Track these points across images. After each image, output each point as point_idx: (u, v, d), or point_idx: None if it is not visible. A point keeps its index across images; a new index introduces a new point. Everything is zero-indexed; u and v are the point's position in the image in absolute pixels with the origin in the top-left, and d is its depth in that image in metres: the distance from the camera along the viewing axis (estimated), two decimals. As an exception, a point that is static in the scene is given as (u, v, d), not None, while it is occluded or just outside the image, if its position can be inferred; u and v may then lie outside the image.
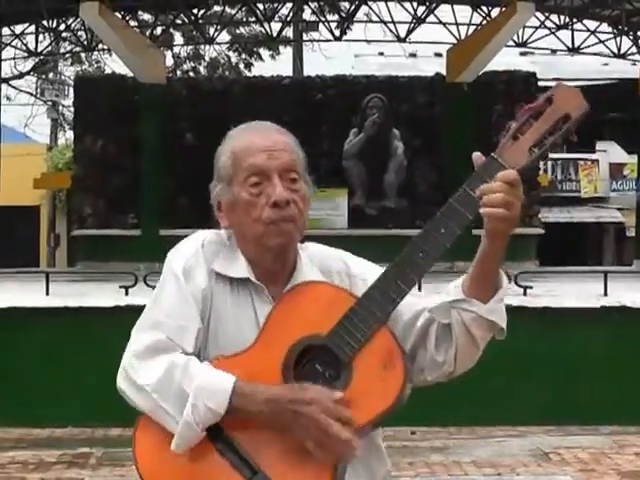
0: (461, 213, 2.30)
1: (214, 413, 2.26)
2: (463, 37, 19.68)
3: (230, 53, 30.37)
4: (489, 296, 2.34)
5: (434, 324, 2.43)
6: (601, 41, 21.21)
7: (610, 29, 21.14)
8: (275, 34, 21.79)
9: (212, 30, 22.77)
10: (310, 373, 2.33)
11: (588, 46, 21.29)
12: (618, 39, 21.22)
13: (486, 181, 2.27)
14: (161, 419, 2.32)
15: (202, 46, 28.16)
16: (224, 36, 25.85)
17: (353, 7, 20.83)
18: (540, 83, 20.29)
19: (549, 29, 20.64)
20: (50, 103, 33.02)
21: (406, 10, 20.20)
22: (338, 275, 2.58)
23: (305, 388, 2.27)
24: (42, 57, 24.25)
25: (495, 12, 19.13)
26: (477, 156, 2.34)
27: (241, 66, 30.79)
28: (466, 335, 2.37)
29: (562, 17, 20.33)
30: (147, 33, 20.92)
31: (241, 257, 2.49)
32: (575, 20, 20.56)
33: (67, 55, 27.57)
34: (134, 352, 2.37)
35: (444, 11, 20.02)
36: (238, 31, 28.68)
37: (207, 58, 30.48)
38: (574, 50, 21.34)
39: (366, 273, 2.57)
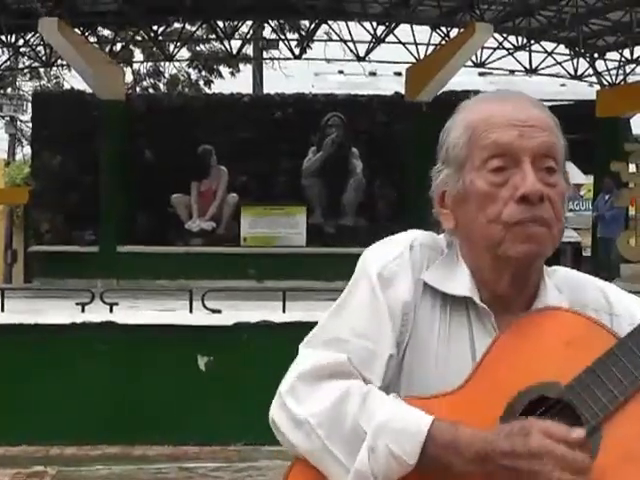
0: None
1: (400, 462, 1.66)
2: (422, 57, 19.81)
3: (190, 70, 30.34)
4: None
5: None
6: (558, 62, 21.44)
7: (567, 51, 21.37)
8: (235, 52, 21.81)
9: (172, 47, 22.75)
10: None
11: (545, 67, 21.51)
12: (575, 61, 21.46)
13: None
14: (325, 466, 1.73)
15: (162, 63, 28.09)
16: (184, 53, 25.81)
17: (313, 26, 20.90)
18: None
19: (507, 50, 20.83)
20: (8, 118, 32.82)
21: (366, 29, 20.30)
22: (595, 312, 1.86)
23: (527, 432, 1.61)
24: (0, 72, 24.09)
25: (454, 32, 19.29)
26: None
27: (201, 83, 30.76)
28: None
29: (520, 38, 20.54)
30: (107, 49, 20.85)
31: (464, 269, 1.86)
32: (533, 41, 20.78)
33: (25, 70, 27.40)
34: (299, 373, 1.79)
35: (403, 31, 20.14)
36: (198, 48, 28.65)
37: (167, 75, 30.41)
38: (532, 71, 21.55)
39: (637, 314, 1.86)
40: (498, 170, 1.80)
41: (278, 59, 24.20)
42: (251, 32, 21.88)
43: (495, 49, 20.72)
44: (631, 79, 21.14)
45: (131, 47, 24.79)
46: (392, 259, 1.87)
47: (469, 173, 1.83)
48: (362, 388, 1.73)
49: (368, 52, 20.66)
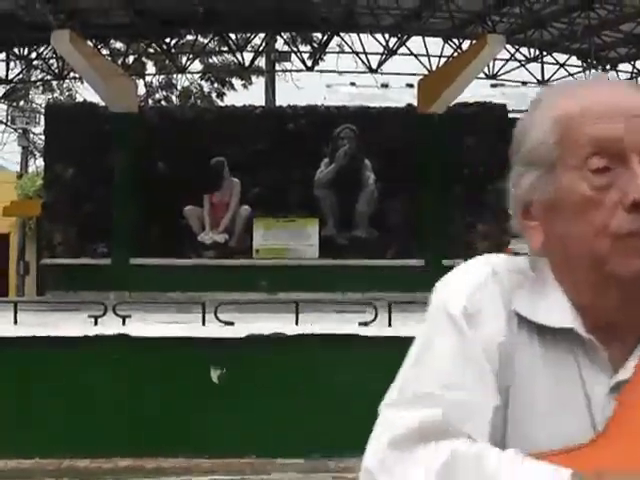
0: None
1: None
2: (434, 69, 19.82)
3: (202, 82, 30.40)
4: None
5: None
6: (570, 74, 21.43)
7: (579, 62, 21.37)
8: (247, 64, 21.85)
9: (184, 59, 22.81)
10: None
11: (558, 79, 21.48)
12: (587, 72, 21.42)
13: None
14: None
15: (174, 75, 28.16)
16: (196, 65, 25.89)
17: (325, 38, 20.93)
18: (510, 115, 20.43)
19: (519, 62, 20.83)
20: (21, 131, 32.89)
21: (378, 41, 20.33)
22: None
23: None
24: (13, 85, 24.18)
25: (466, 44, 19.29)
26: None
27: (213, 95, 30.82)
28: None
29: (532, 50, 20.55)
30: (119, 62, 20.91)
31: (560, 295, 1.51)
32: (545, 53, 20.77)
33: (38, 83, 27.49)
34: (389, 441, 1.42)
35: (415, 43, 20.19)
36: (210, 60, 28.72)
37: (179, 87, 30.49)
38: (544, 82, 21.51)
39: None
40: (602, 171, 1.45)
41: (290, 71, 24.23)
42: (263, 44, 21.93)
43: (507, 61, 20.74)
44: (644, 90, 21.10)
45: (143, 59, 24.86)
46: (475, 290, 1.51)
47: (563, 175, 1.48)
48: (471, 448, 1.39)
49: (380, 64, 20.68)
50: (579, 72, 21.44)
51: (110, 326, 10.51)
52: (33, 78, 25.11)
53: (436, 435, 1.40)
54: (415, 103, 19.88)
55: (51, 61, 21.59)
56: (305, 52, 21.82)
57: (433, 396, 1.43)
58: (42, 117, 25.80)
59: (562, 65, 21.24)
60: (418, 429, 1.41)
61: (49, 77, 23.65)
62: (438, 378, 1.45)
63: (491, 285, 1.52)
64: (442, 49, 20.08)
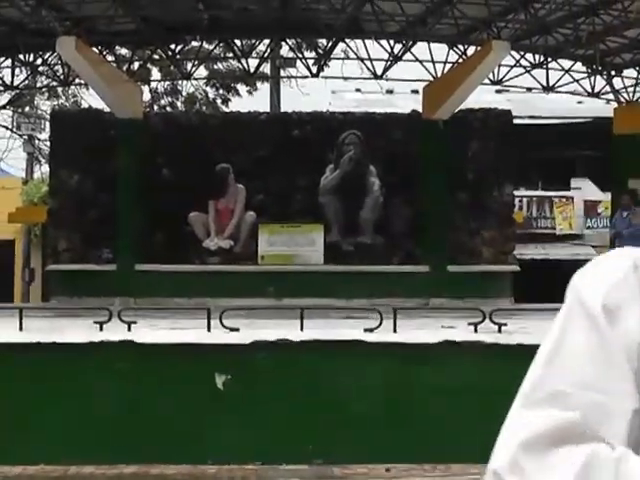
0: None
1: None
2: (439, 75, 19.81)
3: (207, 88, 30.44)
4: None
5: None
6: (575, 80, 21.41)
7: (584, 68, 21.36)
8: (252, 70, 21.86)
9: (189, 65, 22.84)
10: None
11: (563, 85, 21.48)
12: (592, 78, 21.43)
13: None
14: None
15: (179, 81, 28.20)
16: (201, 71, 25.91)
17: (330, 44, 20.94)
18: (515, 121, 20.43)
19: (524, 68, 20.81)
20: (26, 137, 32.95)
21: (383, 47, 20.32)
22: None
23: None
24: (18, 91, 24.21)
25: (471, 50, 19.29)
26: None
27: (218, 101, 30.85)
28: None
29: (537, 56, 20.52)
30: (124, 68, 20.93)
31: None
32: (550, 59, 20.75)
33: (44, 89, 27.54)
34: (521, 442, 1.33)
35: (420, 49, 20.16)
36: (215, 67, 28.75)
37: (184, 93, 30.52)
38: (549, 89, 21.51)
39: None
40: None
41: (295, 77, 24.25)
42: (268, 50, 21.95)
43: (512, 67, 20.71)
44: (648, 96, 21.10)
45: (149, 66, 24.90)
46: (614, 285, 1.40)
47: None
48: (612, 452, 1.29)
49: (385, 70, 20.67)
50: (584, 78, 21.45)
51: (115, 332, 10.51)
52: (38, 84, 25.14)
53: (573, 438, 1.31)
54: (420, 109, 19.87)
55: (56, 67, 21.60)
56: (310, 58, 21.83)
57: (569, 396, 1.34)
58: (47, 123, 25.84)
59: (567, 71, 21.21)
60: (553, 431, 1.32)
61: (54, 83, 23.67)
62: (575, 377, 1.36)
63: (632, 280, 1.40)
64: (447, 55, 20.07)
